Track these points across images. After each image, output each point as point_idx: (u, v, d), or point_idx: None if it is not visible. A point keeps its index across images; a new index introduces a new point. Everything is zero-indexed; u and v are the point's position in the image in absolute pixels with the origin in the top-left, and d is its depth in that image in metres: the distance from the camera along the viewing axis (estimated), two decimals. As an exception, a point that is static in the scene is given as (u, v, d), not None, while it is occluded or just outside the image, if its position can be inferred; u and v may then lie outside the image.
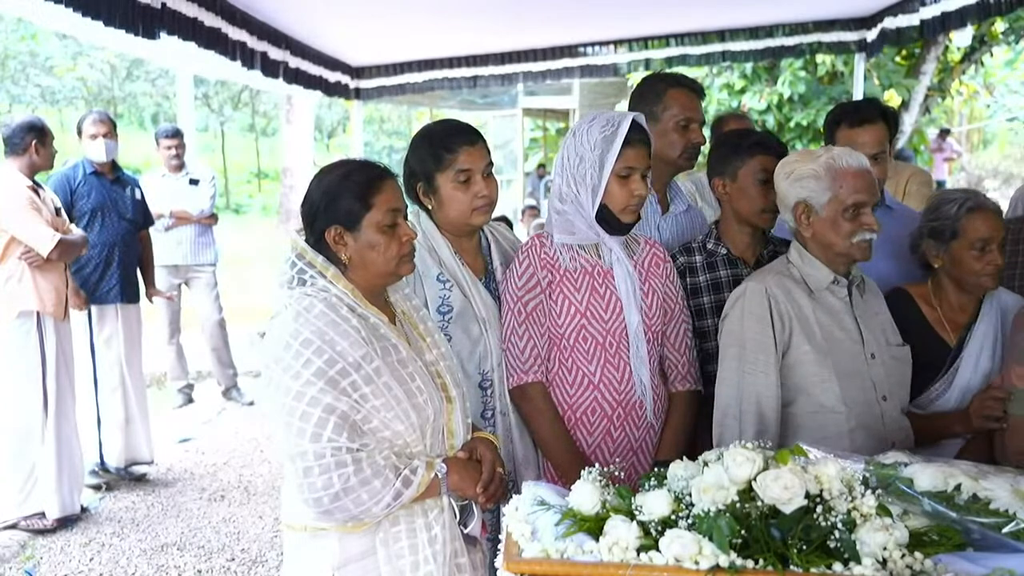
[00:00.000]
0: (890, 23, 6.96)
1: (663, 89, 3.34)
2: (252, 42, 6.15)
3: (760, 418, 2.58)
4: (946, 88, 13.62)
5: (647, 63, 8.10)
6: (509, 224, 9.01)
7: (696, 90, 3.39)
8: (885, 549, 1.78)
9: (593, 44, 8.15)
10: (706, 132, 3.52)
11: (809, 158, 2.65)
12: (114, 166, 5.93)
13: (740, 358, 2.63)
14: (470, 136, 2.81)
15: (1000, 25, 12.25)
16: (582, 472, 2.06)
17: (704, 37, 7.91)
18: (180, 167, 7.46)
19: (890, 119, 3.33)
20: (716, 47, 7.97)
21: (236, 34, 5.80)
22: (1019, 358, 2.59)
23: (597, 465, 2.09)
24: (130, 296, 5.95)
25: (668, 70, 7.45)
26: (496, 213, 2.98)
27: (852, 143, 3.21)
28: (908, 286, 3.04)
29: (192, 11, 5.04)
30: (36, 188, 5.11)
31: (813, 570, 1.77)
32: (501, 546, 2.04)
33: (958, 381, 2.79)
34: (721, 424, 2.64)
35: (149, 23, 4.56)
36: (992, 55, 14.91)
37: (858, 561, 1.76)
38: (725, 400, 2.65)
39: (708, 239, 3.08)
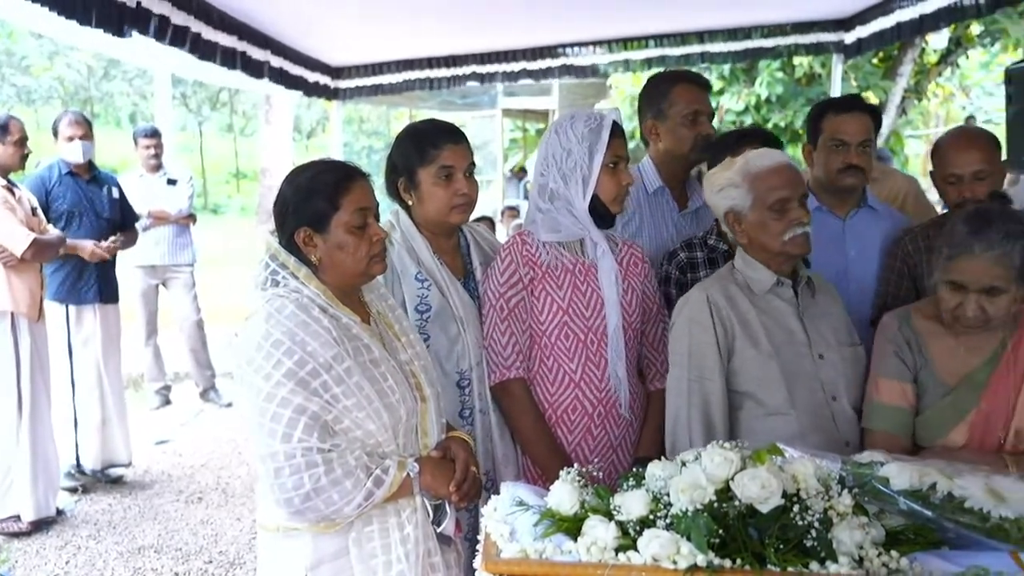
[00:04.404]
0: (868, 25, 7.00)
1: (668, 87, 3.39)
2: (231, 42, 6.10)
3: (708, 425, 2.59)
4: (923, 90, 13.70)
5: (626, 64, 8.11)
6: (492, 224, 9.03)
7: (701, 83, 3.44)
8: (861, 548, 1.79)
9: (572, 45, 8.14)
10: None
11: (727, 167, 2.67)
12: (90, 166, 5.87)
13: (686, 366, 2.65)
14: (455, 135, 2.85)
15: (976, 28, 12.33)
16: (560, 472, 2.07)
17: (683, 38, 7.92)
18: (158, 167, 7.43)
19: (875, 113, 3.34)
20: (695, 48, 7.97)
21: (212, 34, 5.75)
22: (877, 371, 2.59)
23: (576, 465, 2.10)
24: (108, 296, 5.90)
25: (655, 70, 7.45)
26: (476, 214, 2.99)
27: (838, 131, 3.22)
28: None
29: (167, 10, 5.00)
30: (11, 187, 5.06)
31: (790, 569, 1.78)
32: (479, 546, 2.04)
33: None
34: (673, 433, 2.66)
35: (125, 22, 4.52)
36: (968, 57, 15.01)
37: (835, 560, 1.78)
38: (674, 409, 2.67)
39: (709, 235, 3.09)
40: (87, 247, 5.57)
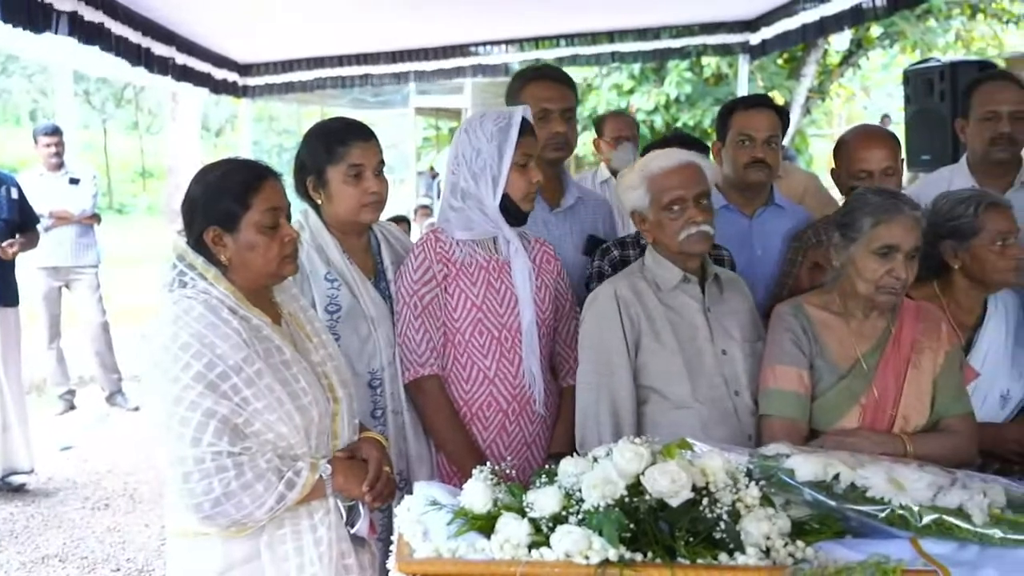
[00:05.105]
0: (773, 26, 7.16)
1: (520, 87, 3.35)
2: (136, 38, 5.97)
3: (616, 419, 2.64)
4: (826, 90, 14.08)
5: (538, 63, 8.16)
6: (408, 224, 8.97)
7: (554, 79, 3.35)
8: (768, 538, 1.84)
9: (484, 43, 8.18)
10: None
11: (632, 168, 2.74)
12: (-13, 165, 5.72)
13: (595, 361, 2.69)
14: (363, 133, 2.84)
15: (875, 30, 12.71)
16: (473, 471, 2.07)
17: (594, 38, 8.01)
18: (59, 166, 7.23)
19: (781, 112, 3.42)
20: (606, 48, 8.08)
21: (119, 29, 5.62)
22: (773, 359, 2.64)
23: (489, 463, 2.10)
24: (7, 299, 5.73)
25: (567, 69, 7.49)
26: (390, 213, 2.97)
27: (745, 127, 3.28)
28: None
29: (71, 5, 4.87)
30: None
31: (700, 561, 1.81)
32: (393, 547, 2.04)
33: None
34: (582, 428, 2.69)
35: (37, 17, 4.39)
36: (868, 59, 15.44)
37: (743, 551, 1.81)
38: (584, 403, 2.71)
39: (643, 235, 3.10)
40: None
